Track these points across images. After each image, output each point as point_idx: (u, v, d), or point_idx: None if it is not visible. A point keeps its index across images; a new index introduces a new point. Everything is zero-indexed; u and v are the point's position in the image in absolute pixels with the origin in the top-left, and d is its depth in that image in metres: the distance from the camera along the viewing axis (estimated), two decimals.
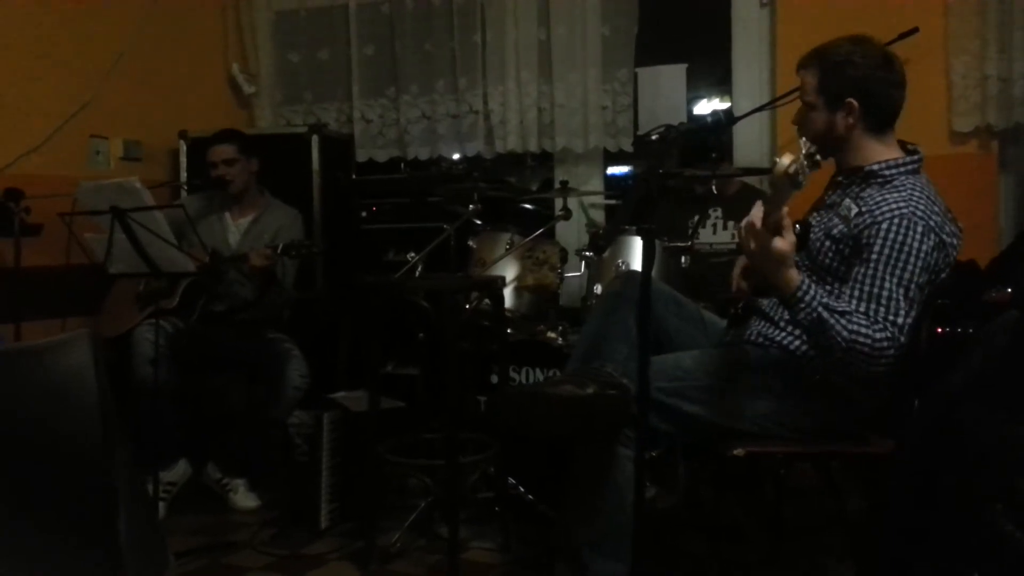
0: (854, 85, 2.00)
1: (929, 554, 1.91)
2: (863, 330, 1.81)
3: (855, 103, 2.00)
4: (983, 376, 1.76)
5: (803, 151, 1.65)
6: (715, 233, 3.56)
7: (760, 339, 2.13)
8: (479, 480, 2.92)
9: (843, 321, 1.82)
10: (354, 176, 4.31)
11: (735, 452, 2.00)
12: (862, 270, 1.89)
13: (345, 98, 4.43)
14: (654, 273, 1.82)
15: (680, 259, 3.07)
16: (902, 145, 2.08)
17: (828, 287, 2.00)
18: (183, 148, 4.07)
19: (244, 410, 3.32)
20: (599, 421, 1.98)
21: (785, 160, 1.64)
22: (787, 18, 3.76)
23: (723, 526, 2.87)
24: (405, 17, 4.27)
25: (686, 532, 2.83)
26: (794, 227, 1.87)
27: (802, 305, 1.83)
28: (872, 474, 2.23)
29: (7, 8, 3.39)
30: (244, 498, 3.20)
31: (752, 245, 1.83)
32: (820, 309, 1.82)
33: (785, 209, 1.78)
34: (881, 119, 2.04)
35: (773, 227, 1.78)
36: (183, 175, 4.04)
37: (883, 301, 1.85)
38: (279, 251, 3.18)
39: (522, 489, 2.87)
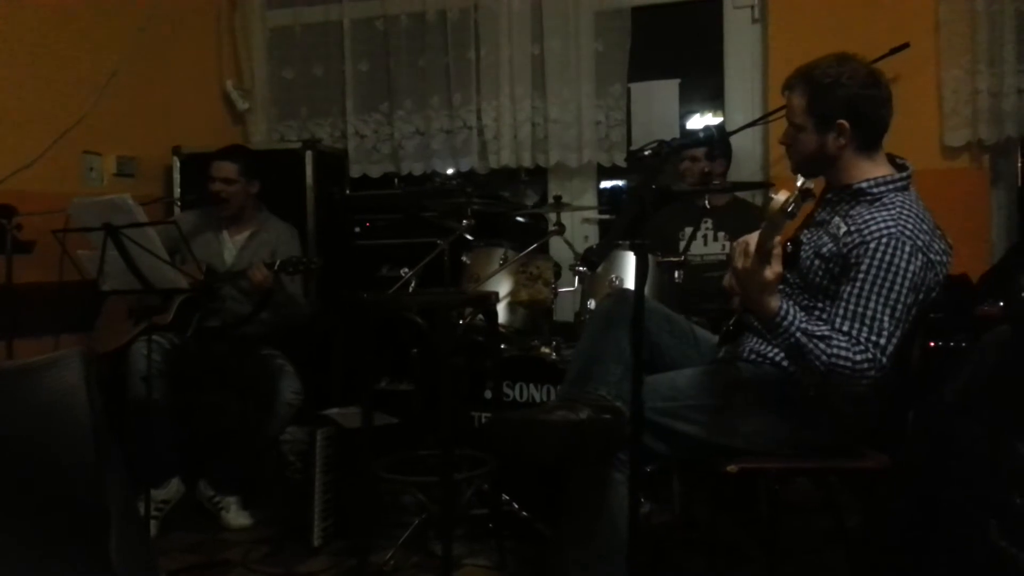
0: (844, 106, 1.99)
1: (925, 569, 1.91)
2: (843, 353, 1.82)
3: (846, 124, 1.99)
4: (975, 390, 1.77)
5: (798, 187, 1.67)
6: (706, 244, 3.58)
7: (753, 356, 2.13)
8: (473, 497, 2.91)
9: (822, 345, 1.82)
10: (348, 192, 4.32)
11: (729, 469, 2.00)
12: (848, 289, 1.89)
13: (339, 114, 4.45)
14: (647, 289, 1.82)
15: (674, 274, 3.07)
16: (891, 160, 2.08)
17: (820, 305, 2.00)
18: (177, 164, 4.07)
19: (237, 427, 3.31)
20: (593, 446, 1.97)
21: (780, 197, 1.67)
22: (779, 33, 3.79)
23: (720, 543, 2.86)
24: (399, 33, 4.29)
25: (682, 549, 2.82)
26: (786, 246, 1.88)
27: (780, 331, 1.84)
28: (868, 489, 2.23)
29: (0, 24, 3.39)
30: (237, 516, 3.18)
31: (740, 265, 1.84)
32: (799, 335, 1.83)
33: (777, 239, 1.78)
34: (871, 137, 2.04)
35: (764, 255, 1.79)
36: (176, 191, 4.04)
37: (867, 321, 1.85)
38: (276, 267, 3.17)
39: (517, 506, 2.86)
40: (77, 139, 3.68)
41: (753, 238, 1.82)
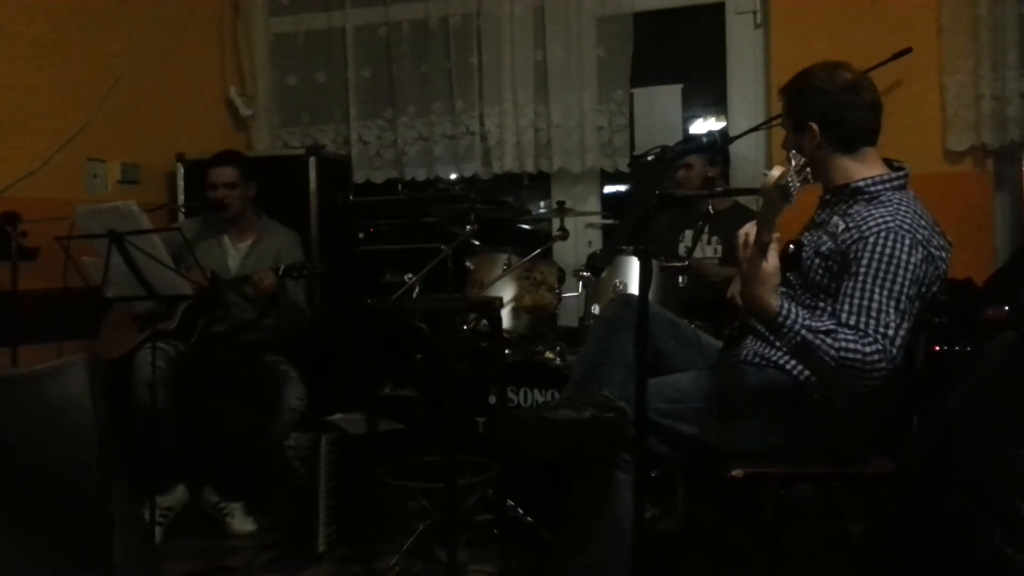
0: (812, 110, 2.06)
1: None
2: (851, 346, 1.81)
3: (814, 126, 2.04)
4: (980, 397, 1.76)
5: (793, 164, 1.67)
6: (701, 249, 3.57)
7: (757, 359, 2.13)
8: (478, 502, 2.91)
9: (829, 340, 1.81)
10: (351, 197, 4.32)
11: (734, 474, 2.00)
12: (851, 283, 1.90)
13: (342, 120, 4.46)
14: (651, 294, 1.83)
15: (677, 279, 3.07)
16: (888, 163, 2.09)
17: (821, 304, 2.01)
18: (180, 171, 4.08)
19: (241, 433, 3.31)
20: (597, 445, 1.97)
21: (775, 172, 1.67)
22: (781, 38, 3.78)
23: (723, 548, 2.86)
24: (402, 39, 4.30)
25: (686, 555, 2.82)
26: (788, 247, 1.88)
27: (784, 330, 1.84)
28: (872, 495, 2.22)
29: (4, 32, 3.40)
30: (241, 522, 3.18)
31: (740, 255, 1.87)
32: (804, 332, 1.82)
33: (776, 234, 1.79)
34: (844, 139, 2.06)
35: (762, 247, 1.80)
36: (181, 198, 4.04)
37: (873, 313, 1.84)
38: (280, 273, 3.18)
39: (521, 512, 2.85)
40: (81, 146, 3.69)
41: (754, 228, 1.83)
